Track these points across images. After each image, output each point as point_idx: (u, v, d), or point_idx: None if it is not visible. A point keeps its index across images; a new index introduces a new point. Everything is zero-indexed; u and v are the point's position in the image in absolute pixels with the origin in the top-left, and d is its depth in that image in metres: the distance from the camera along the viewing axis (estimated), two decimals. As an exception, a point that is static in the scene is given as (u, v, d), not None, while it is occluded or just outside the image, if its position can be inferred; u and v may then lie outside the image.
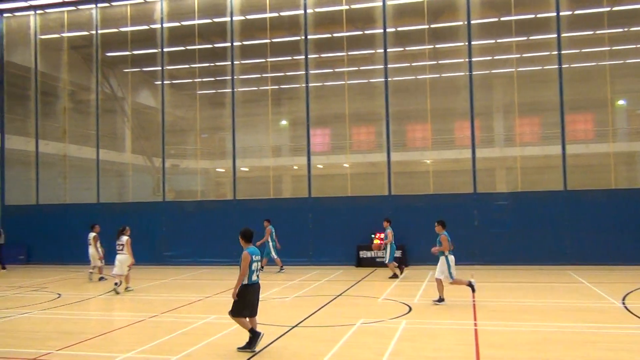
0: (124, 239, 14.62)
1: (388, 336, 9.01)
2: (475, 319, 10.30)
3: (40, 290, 15.61)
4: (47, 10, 24.03)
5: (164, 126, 22.52)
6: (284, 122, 25.34)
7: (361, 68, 23.30)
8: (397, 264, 17.05)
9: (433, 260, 18.74)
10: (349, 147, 22.74)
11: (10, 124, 24.73)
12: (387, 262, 16.94)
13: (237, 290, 8.25)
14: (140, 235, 21.12)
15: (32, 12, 24.14)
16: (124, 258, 14.46)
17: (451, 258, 12.09)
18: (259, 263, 8.55)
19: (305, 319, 10.47)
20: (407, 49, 22.50)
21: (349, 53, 22.01)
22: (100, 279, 17.05)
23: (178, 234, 21.92)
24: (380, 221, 17.51)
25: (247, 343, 8.25)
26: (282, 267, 18.58)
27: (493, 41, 21.59)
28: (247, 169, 23.67)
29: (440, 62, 22.77)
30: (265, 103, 22.69)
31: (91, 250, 17.26)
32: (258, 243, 17.52)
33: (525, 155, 20.65)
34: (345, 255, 19.94)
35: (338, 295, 13.45)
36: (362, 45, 22.53)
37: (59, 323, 10.73)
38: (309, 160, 21.11)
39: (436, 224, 12.38)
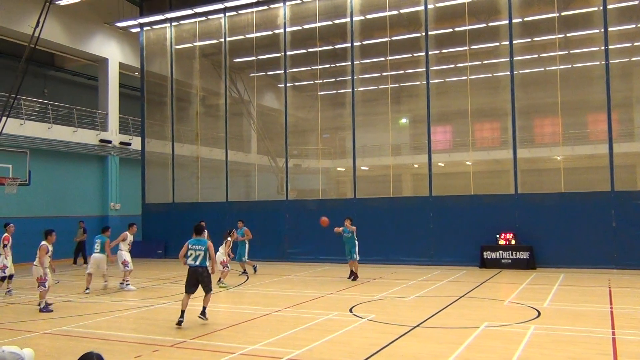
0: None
1: (515, 341, 8.59)
2: (613, 327, 9.52)
3: (176, 282, 16.77)
4: (181, 22, 25.78)
5: (287, 127, 23.23)
6: (404, 120, 25.12)
7: (484, 62, 22.46)
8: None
9: (564, 263, 17.72)
10: (472, 144, 22.01)
11: (150, 128, 26.87)
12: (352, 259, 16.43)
13: None
14: (265, 233, 22.05)
15: (168, 25, 26.02)
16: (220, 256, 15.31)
17: None
18: (196, 251, 10.51)
19: (426, 320, 10.30)
20: (535, 39, 21.34)
21: (472, 47, 21.29)
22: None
23: (300, 231, 22.51)
24: (506, 221, 16.80)
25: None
26: (255, 266, 18.32)
27: (633, 26, 19.83)
28: (367, 168, 23.77)
29: (572, 51, 21.33)
30: (385, 101, 22.62)
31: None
32: (239, 239, 17.46)
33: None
34: (468, 256, 19.33)
35: (461, 297, 13.07)
36: (485, 38, 21.72)
37: (192, 314, 11.46)
38: (429, 158, 20.73)
39: None
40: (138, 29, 26.78)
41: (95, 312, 11.94)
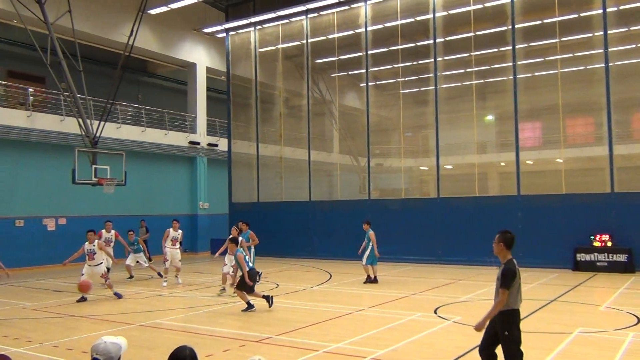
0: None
1: (611, 349, 8.12)
2: None
3: (261, 280, 17.18)
4: (265, 26, 26.37)
5: (368, 126, 23.17)
6: (489, 117, 24.37)
7: (576, 54, 21.36)
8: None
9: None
10: (563, 140, 20.99)
11: (236, 130, 27.70)
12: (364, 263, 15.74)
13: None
14: (347, 232, 22.14)
15: (252, 29, 26.70)
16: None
17: None
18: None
19: (515, 323, 9.93)
20: (632, 28, 20.04)
21: (562, 39, 20.30)
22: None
23: (382, 231, 22.28)
24: (601, 221, 15.89)
25: None
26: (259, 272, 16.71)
27: None
28: (451, 167, 23.26)
29: (675, 40, 19.86)
30: (470, 98, 22.04)
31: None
32: (246, 245, 15.77)
33: None
34: (560, 258, 18.43)
35: (552, 300, 12.50)
36: (577, 29, 20.64)
37: (277, 310, 11.70)
38: (517, 156, 19.96)
39: None
40: (224, 34, 27.68)
41: (185, 307, 12.46)
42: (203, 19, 27.43)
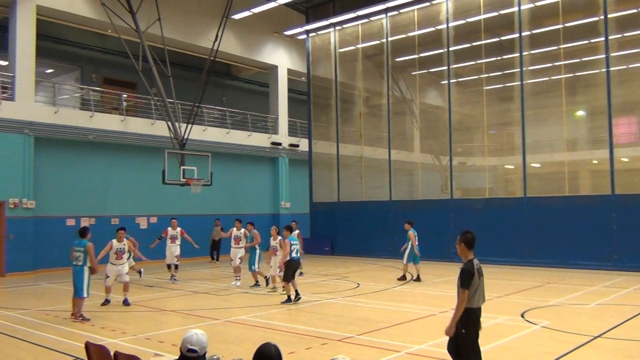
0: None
1: None
2: None
3: (342, 279, 17.27)
4: (344, 26, 26.47)
5: (450, 124, 22.71)
6: (580, 113, 23.17)
7: (678, 43, 19.88)
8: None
9: None
10: (663, 136, 19.60)
11: (316, 130, 28.01)
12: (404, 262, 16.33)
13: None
14: (429, 232, 21.80)
15: (332, 29, 26.88)
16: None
17: None
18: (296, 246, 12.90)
19: (609, 330, 9.39)
20: None
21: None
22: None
23: (466, 231, 21.82)
24: None
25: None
26: (257, 282, 15.59)
27: None
28: (538, 165, 22.31)
29: None
30: (558, 93, 21.06)
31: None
32: (247, 245, 15.76)
33: None
34: (659, 262, 17.25)
35: (651, 307, 11.72)
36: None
37: (358, 310, 11.72)
38: (611, 153, 18.87)
39: None
40: (304, 36, 28.06)
41: (268, 305, 12.73)
42: (284, 22, 27.92)
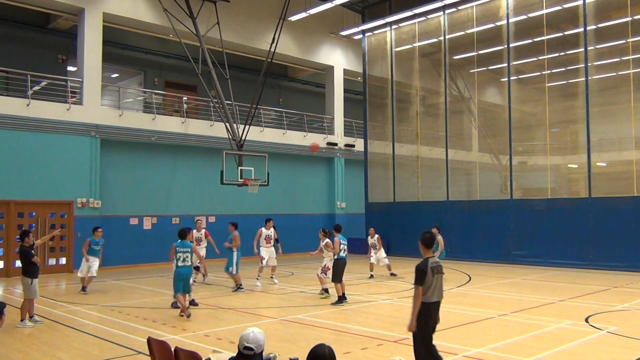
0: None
1: None
2: None
3: (398, 279, 17.13)
4: (401, 25, 26.23)
5: (510, 123, 22.13)
6: (650, 109, 22.06)
7: None
8: None
9: None
10: None
11: (372, 130, 27.90)
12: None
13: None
14: (487, 233, 21.33)
15: (388, 29, 26.69)
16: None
17: None
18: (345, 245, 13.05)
19: (682, 338, 8.92)
20: None
21: None
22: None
23: (526, 232, 21.24)
24: None
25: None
26: (240, 285, 14.88)
27: None
28: (604, 164, 21.41)
29: None
30: (627, 89, 20.14)
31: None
32: (226, 245, 14.99)
33: None
34: None
35: None
36: None
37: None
38: (684, 151, 17.91)
39: None
40: (360, 36, 28.00)
41: (323, 305, 12.78)
42: (340, 22, 27.96)
